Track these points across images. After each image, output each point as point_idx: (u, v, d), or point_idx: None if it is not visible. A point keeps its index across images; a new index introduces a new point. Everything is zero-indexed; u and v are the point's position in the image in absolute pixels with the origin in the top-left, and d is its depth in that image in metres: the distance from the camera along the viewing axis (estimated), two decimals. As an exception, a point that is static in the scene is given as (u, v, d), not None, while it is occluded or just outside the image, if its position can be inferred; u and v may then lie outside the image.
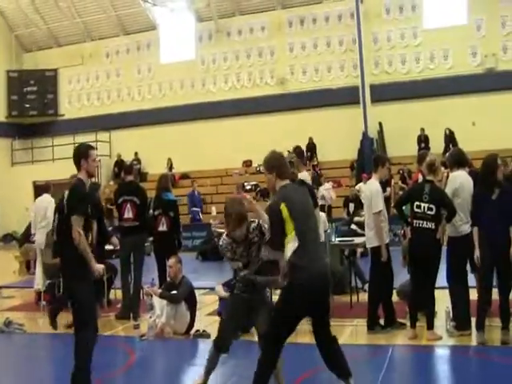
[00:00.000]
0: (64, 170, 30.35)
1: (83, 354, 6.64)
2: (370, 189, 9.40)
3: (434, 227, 8.50)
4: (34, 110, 33.75)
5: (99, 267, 6.91)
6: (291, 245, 5.73)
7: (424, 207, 8.55)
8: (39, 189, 14.83)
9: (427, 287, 8.58)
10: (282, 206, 5.80)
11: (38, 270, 12.90)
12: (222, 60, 30.62)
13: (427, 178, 8.82)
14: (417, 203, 8.62)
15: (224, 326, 6.40)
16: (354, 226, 13.29)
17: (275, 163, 6.22)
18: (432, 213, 8.49)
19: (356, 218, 15.02)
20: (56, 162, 30.63)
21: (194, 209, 24.84)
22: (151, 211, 11.23)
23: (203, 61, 30.88)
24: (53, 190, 13.73)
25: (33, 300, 12.95)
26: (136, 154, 30.57)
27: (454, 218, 8.58)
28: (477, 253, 8.13)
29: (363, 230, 10.48)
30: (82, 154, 7.12)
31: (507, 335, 8.16)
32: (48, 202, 13.18)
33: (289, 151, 9.65)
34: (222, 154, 27.85)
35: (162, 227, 11.13)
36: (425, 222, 8.54)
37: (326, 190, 23.33)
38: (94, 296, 7.05)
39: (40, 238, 12.87)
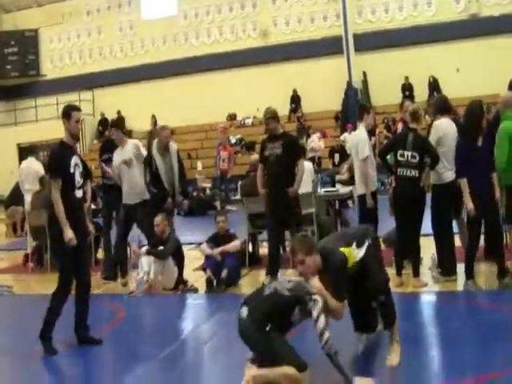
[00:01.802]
0: (48, 130, 30.41)
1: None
2: (357, 136, 9.43)
3: (417, 175, 8.47)
4: (16, 72, 33.33)
5: (70, 235, 6.85)
6: None
7: (407, 155, 8.51)
8: (24, 151, 14.79)
9: (412, 235, 8.61)
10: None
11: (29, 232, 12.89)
12: (204, 14, 30.32)
13: (410, 126, 8.77)
14: (400, 152, 8.57)
15: None
16: (338, 186, 13.32)
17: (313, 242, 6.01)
18: (415, 161, 8.46)
19: (338, 177, 15.04)
20: (40, 122, 30.49)
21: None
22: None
23: (185, 15, 30.57)
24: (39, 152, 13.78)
25: (20, 262, 12.93)
26: (119, 112, 30.29)
27: (437, 166, 8.58)
28: (470, 205, 7.98)
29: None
30: (64, 115, 7.15)
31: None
32: (37, 165, 13.22)
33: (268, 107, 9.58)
34: (207, 108, 27.64)
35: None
36: (408, 170, 8.52)
37: (314, 142, 23.40)
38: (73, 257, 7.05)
39: (28, 200, 12.87)
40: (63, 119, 7.18)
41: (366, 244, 5.91)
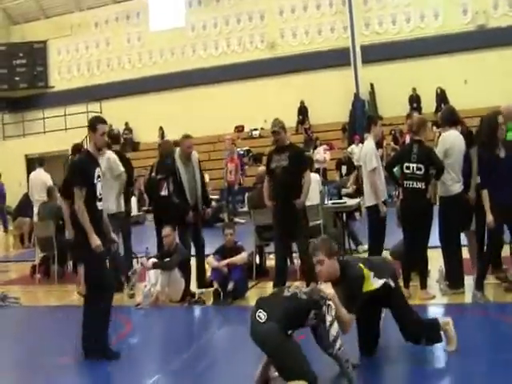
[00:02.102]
0: (55, 142, 30.51)
1: None
2: (365, 148, 9.43)
3: (423, 187, 8.47)
4: (24, 83, 33.50)
5: (96, 242, 6.89)
6: None
7: (413, 167, 8.51)
8: (32, 162, 14.87)
9: (419, 247, 8.59)
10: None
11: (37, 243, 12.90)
12: (211, 26, 30.44)
13: (415, 138, 8.77)
14: (406, 164, 8.58)
15: None
16: (345, 199, 13.34)
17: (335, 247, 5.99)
18: (421, 173, 8.47)
19: (344, 190, 15.03)
20: (47, 134, 30.61)
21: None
22: (153, 174, 11.11)
23: (193, 27, 30.69)
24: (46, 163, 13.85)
25: (28, 273, 12.94)
26: (126, 123, 30.51)
27: (444, 177, 8.56)
28: (490, 217, 7.93)
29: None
30: (90, 127, 7.25)
31: None
32: (45, 176, 13.28)
33: (276, 118, 9.60)
34: (214, 120, 27.68)
35: (164, 191, 10.94)
36: (414, 183, 8.52)
37: (319, 154, 23.38)
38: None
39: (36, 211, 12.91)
40: (89, 131, 7.28)
41: (385, 281, 5.93)
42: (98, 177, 7.16)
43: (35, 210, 13.22)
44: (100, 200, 7.18)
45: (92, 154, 7.27)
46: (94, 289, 7.12)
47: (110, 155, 10.56)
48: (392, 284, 6.01)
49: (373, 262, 6.27)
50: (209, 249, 10.56)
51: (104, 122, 7.32)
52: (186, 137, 10.55)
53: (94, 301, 7.09)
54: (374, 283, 5.85)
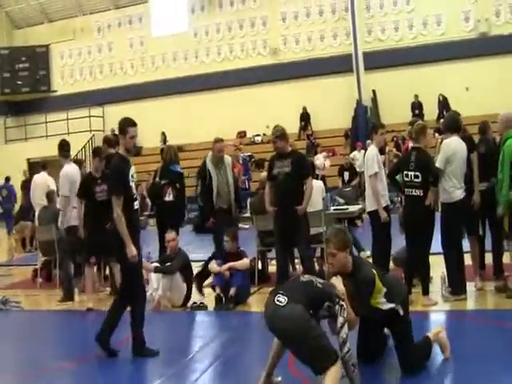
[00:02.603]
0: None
1: None
2: (368, 153, 9.45)
3: (421, 194, 8.50)
4: (27, 87, 33.57)
5: (133, 253, 7.03)
6: None
7: (411, 175, 8.57)
8: (34, 166, 14.87)
9: (421, 253, 8.60)
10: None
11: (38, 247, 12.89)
12: (214, 31, 30.47)
13: (414, 146, 8.80)
14: (405, 172, 8.65)
15: None
16: (337, 197, 13.35)
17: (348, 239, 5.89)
18: (418, 180, 8.51)
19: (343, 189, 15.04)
20: (49, 138, 30.49)
21: (243, 177, 23.20)
22: (157, 180, 11.12)
23: (196, 33, 30.73)
24: (49, 167, 13.85)
25: (29, 277, 12.94)
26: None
27: (446, 184, 8.56)
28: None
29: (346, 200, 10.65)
30: (120, 130, 7.39)
31: None
32: (48, 180, 13.28)
33: (276, 125, 9.61)
34: (216, 125, 27.47)
35: (169, 197, 10.88)
36: (413, 190, 8.57)
37: (319, 160, 23.36)
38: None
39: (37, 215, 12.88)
40: (119, 134, 7.40)
41: (393, 306, 5.87)
42: (132, 177, 7.34)
43: (37, 213, 13.18)
44: (135, 200, 7.36)
45: (124, 157, 7.40)
46: (129, 294, 7.26)
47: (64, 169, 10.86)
48: (401, 312, 5.94)
49: (388, 278, 6.15)
50: (211, 254, 10.55)
51: (133, 124, 7.44)
52: (217, 140, 10.56)
53: (123, 304, 7.37)
54: (382, 303, 5.80)
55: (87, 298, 10.27)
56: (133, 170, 7.41)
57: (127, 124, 7.39)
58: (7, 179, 21.62)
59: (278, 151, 9.43)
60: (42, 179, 13.46)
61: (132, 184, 7.31)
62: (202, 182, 10.38)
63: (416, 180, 8.53)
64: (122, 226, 7.01)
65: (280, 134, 9.32)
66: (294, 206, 9.07)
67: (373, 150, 9.47)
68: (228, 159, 10.64)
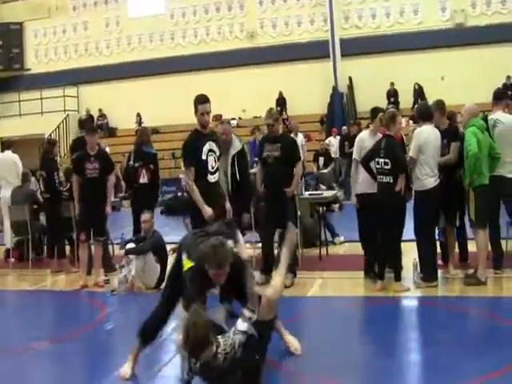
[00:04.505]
0: (31, 125, 30.11)
1: None
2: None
3: (391, 181, 8.56)
4: (0, 65, 33.15)
5: (208, 212, 7.55)
6: None
7: (381, 162, 8.64)
8: (5, 145, 14.72)
9: (392, 240, 8.68)
10: None
11: (7, 227, 12.76)
12: (191, 13, 30.26)
13: (386, 133, 8.84)
14: (376, 159, 8.73)
15: None
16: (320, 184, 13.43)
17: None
18: (388, 167, 8.57)
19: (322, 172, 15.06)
20: (23, 117, 30.32)
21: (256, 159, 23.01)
22: (131, 162, 11.06)
23: (172, 14, 30.49)
24: (14, 146, 13.74)
25: (1, 258, 12.87)
26: (100, 110, 30.28)
27: (418, 172, 8.68)
28: None
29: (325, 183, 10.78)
30: (194, 107, 7.80)
31: None
32: (13, 158, 13.16)
33: (271, 108, 9.59)
34: (192, 108, 27.45)
35: (143, 179, 10.82)
36: (384, 177, 8.63)
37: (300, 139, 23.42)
38: None
39: (5, 194, 12.74)
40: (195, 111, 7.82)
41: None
42: (209, 151, 7.73)
43: (3, 192, 12.99)
44: (213, 173, 7.79)
45: (200, 131, 7.84)
46: None
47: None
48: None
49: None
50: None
51: (202, 101, 7.78)
52: (221, 122, 10.28)
53: None
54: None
55: (80, 276, 10.33)
56: (210, 144, 7.74)
57: (197, 101, 7.80)
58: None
59: (272, 134, 9.48)
60: (6, 157, 13.31)
61: (208, 158, 7.69)
62: None
63: (386, 167, 8.60)
64: (194, 194, 7.63)
65: (277, 118, 9.52)
66: (283, 188, 9.17)
67: (360, 134, 9.83)
68: (237, 144, 9.77)
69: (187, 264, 5.56)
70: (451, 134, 9.10)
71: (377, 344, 6.56)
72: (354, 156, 9.41)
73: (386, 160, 8.58)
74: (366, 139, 9.38)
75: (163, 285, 9.52)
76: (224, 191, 8.58)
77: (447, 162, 8.98)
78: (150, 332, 6.04)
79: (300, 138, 23.37)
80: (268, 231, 9.54)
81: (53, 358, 6.85)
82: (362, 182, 9.27)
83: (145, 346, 6.04)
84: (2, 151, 14.04)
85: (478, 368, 5.68)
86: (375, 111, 9.65)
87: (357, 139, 9.57)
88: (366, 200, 9.14)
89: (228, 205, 8.16)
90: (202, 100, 7.79)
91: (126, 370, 5.92)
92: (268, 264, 9.11)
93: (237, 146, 9.76)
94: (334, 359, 6.08)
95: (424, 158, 8.66)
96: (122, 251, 9.80)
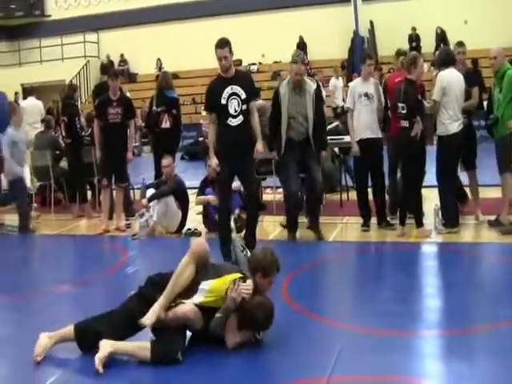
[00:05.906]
0: (52, 71, 30.10)
1: None
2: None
3: (407, 125, 8.49)
4: (20, 11, 32.93)
5: (212, 163, 7.82)
6: None
7: (400, 107, 8.56)
8: (27, 92, 14.76)
9: (412, 185, 8.65)
10: None
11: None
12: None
13: (407, 77, 8.71)
14: (397, 104, 8.65)
15: None
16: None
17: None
18: (404, 111, 8.52)
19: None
20: (44, 63, 30.30)
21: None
22: (154, 108, 11.03)
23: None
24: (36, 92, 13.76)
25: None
26: (122, 55, 30.25)
27: (442, 116, 8.60)
28: None
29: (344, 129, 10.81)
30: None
31: None
32: (38, 104, 13.22)
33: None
34: (212, 53, 27.10)
35: (165, 124, 10.78)
36: (402, 121, 8.58)
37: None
38: None
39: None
40: None
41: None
42: (231, 95, 7.70)
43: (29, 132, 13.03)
44: (235, 117, 7.73)
45: (221, 76, 7.88)
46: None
47: None
48: None
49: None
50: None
51: (219, 46, 7.77)
52: (294, 61, 8.86)
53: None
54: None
55: (102, 220, 10.49)
56: (232, 88, 7.71)
57: (215, 46, 7.80)
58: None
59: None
60: (30, 103, 13.34)
61: (226, 102, 7.66)
62: (273, 110, 9.07)
63: (403, 111, 8.55)
64: (210, 138, 7.93)
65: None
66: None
67: (353, 82, 9.69)
68: (311, 86, 8.90)
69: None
70: (473, 79, 8.99)
71: (398, 290, 6.56)
72: (346, 105, 9.34)
73: (403, 104, 8.53)
74: (357, 86, 9.30)
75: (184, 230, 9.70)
76: (258, 133, 7.99)
77: (469, 107, 8.91)
78: None
79: (340, 82, 23.42)
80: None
81: (76, 300, 6.93)
82: (362, 128, 9.18)
83: None
84: (25, 97, 14.10)
85: (501, 313, 5.66)
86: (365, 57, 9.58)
87: (349, 87, 9.47)
88: (368, 145, 9.11)
89: (260, 146, 7.86)
90: (217, 45, 7.76)
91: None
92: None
93: (311, 88, 8.87)
94: (357, 305, 6.13)
95: (447, 101, 8.58)
96: (144, 200, 9.83)
